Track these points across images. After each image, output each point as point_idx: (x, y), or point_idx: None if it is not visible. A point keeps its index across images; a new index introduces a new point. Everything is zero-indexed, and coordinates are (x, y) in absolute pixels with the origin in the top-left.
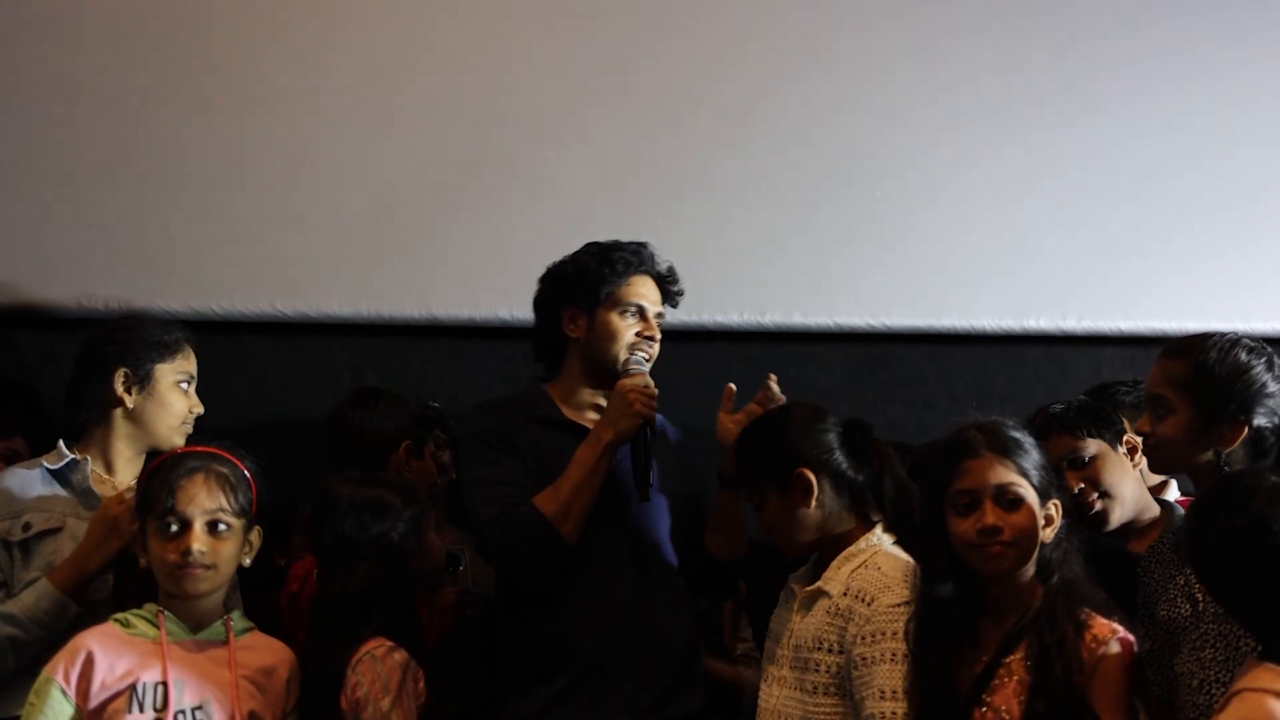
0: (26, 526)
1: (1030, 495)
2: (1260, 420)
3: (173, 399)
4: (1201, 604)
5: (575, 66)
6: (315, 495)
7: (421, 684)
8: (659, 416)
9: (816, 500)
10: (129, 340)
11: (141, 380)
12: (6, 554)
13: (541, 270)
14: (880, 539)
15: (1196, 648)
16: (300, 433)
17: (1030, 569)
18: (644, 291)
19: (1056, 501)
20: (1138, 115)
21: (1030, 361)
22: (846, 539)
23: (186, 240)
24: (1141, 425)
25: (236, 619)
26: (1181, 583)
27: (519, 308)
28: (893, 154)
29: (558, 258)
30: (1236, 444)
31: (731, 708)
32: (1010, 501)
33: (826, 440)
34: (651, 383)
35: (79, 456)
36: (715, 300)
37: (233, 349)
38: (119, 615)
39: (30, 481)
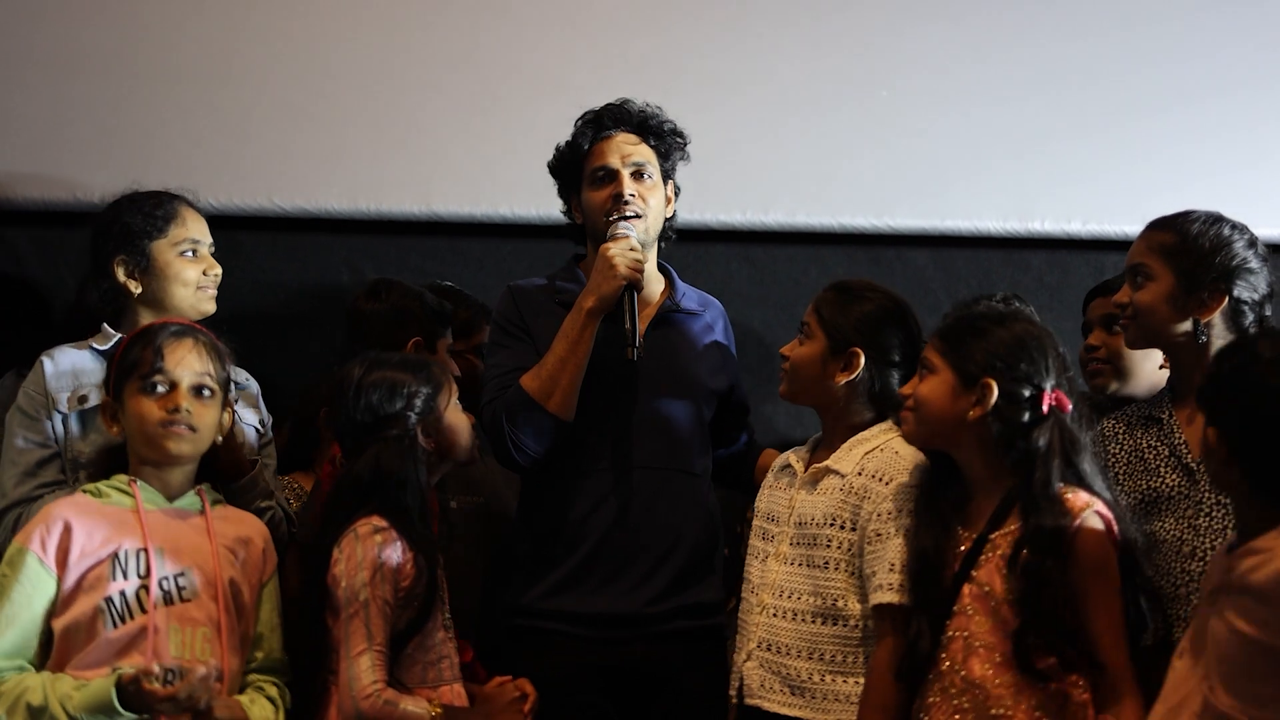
0: (83, 399)
1: (941, 370)
2: (1240, 292)
3: (179, 269)
4: (1198, 473)
5: None
6: (335, 381)
7: (409, 565)
8: (714, 303)
9: (850, 382)
10: (117, 227)
11: (141, 264)
12: (63, 426)
13: (541, 167)
14: (891, 430)
15: (1189, 516)
16: (298, 329)
17: (985, 448)
18: (607, 151)
19: (991, 383)
20: (1147, 16)
21: (1034, 265)
22: (860, 425)
23: (182, 134)
24: (1120, 296)
25: (208, 490)
26: (1166, 453)
27: (520, 204)
28: (899, 52)
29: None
30: (1215, 314)
31: None
32: (922, 374)
33: (891, 341)
34: (637, 245)
35: (126, 337)
36: (717, 199)
37: (229, 244)
38: (88, 486)
39: (81, 360)
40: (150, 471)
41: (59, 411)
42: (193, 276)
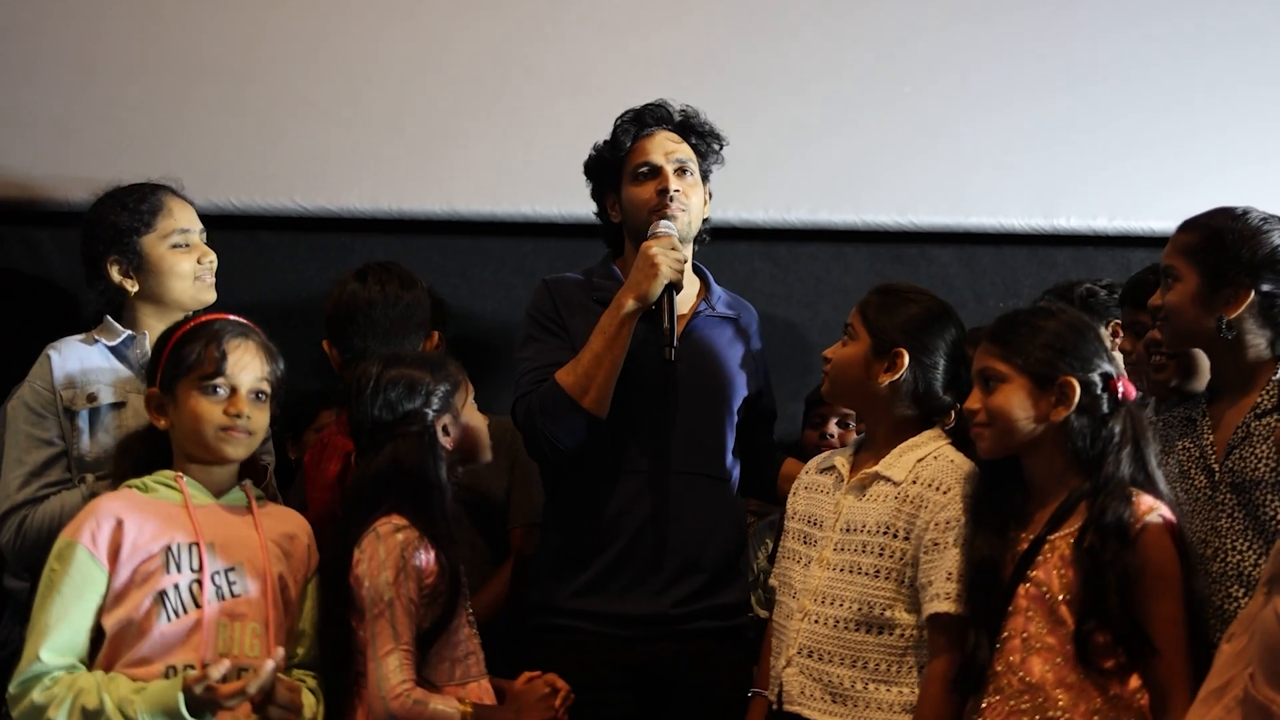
0: (92, 398)
1: (1013, 377)
2: (1268, 285)
3: (173, 262)
4: (1218, 473)
5: None
6: (351, 378)
7: (432, 563)
8: (748, 307)
9: (894, 383)
10: (104, 228)
11: (134, 261)
12: (70, 423)
13: (563, 165)
14: (941, 437)
15: (1211, 517)
16: (318, 329)
17: (1056, 449)
18: (650, 148)
19: (1072, 381)
20: (1172, 11)
21: (1059, 263)
22: (907, 431)
23: (205, 134)
24: (1154, 299)
25: (251, 486)
26: (1196, 454)
27: (542, 203)
28: (922, 49)
29: (579, 153)
30: (1241, 309)
31: None
32: (990, 385)
33: (936, 342)
34: (678, 244)
35: (135, 333)
36: (740, 197)
37: (251, 244)
38: (133, 481)
39: (90, 355)
40: (197, 468)
41: (69, 409)
42: (188, 268)
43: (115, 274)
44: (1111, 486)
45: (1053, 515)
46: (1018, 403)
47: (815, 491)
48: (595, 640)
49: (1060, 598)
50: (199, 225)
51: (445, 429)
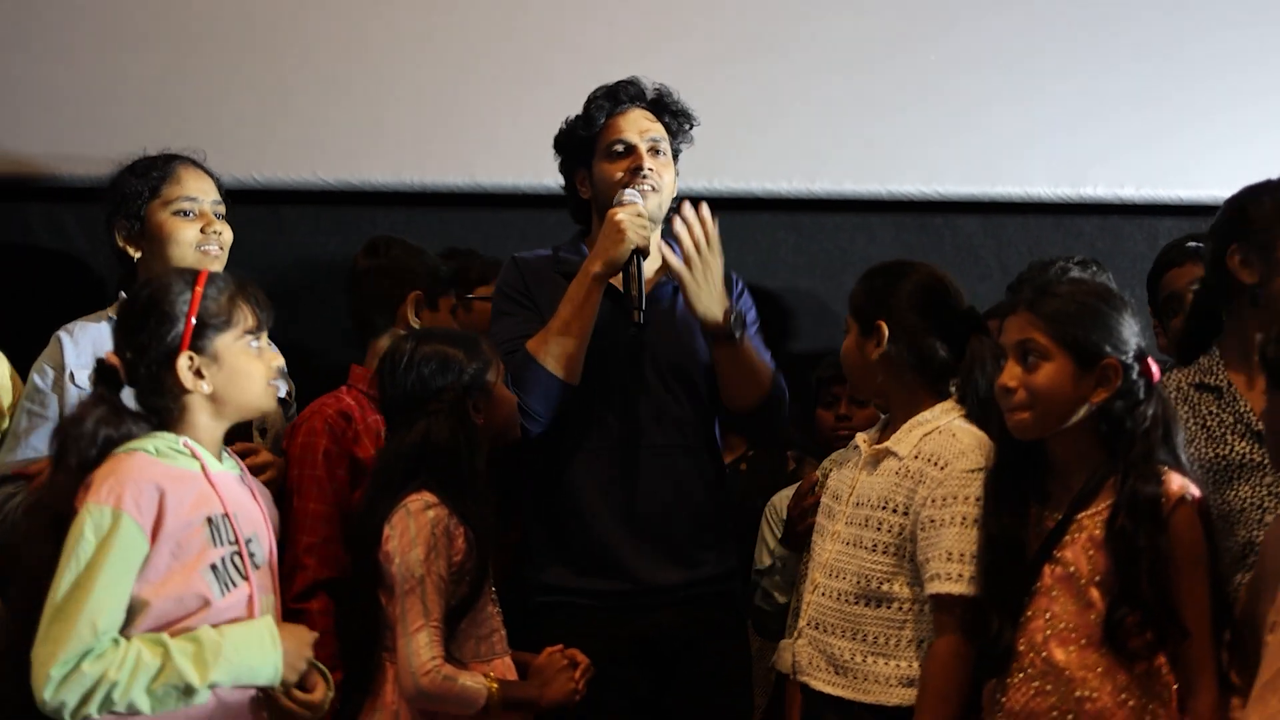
0: None
1: (1055, 354)
2: None
3: (173, 229)
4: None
5: None
6: (384, 354)
7: (461, 541)
8: (735, 279)
9: (883, 355)
10: (116, 194)
11: (135, 227)
12: (68, 397)
13: None
14: (953, 410)
15: (1266, 482)
16: (340, 303)
17: (1088, 430)
18: (623, 125)
19: (1116, 363)
20: None
21: (1085, 232)
22: (918, 405)
23: (224, 109)
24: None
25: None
26: (1232, 421)
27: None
28: (946, 16)
29: None
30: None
31: None
32: (1030, 360)
33: (919, 314)
34: (644, 211)
35: None
36: (764, 167)
37: (273, 218)
38: (143, 445)
39: (100, 334)
40: (204, 433)
41: (76, 386)
42: (189, 236)
43: (120, 240)
44: (1142, 466)
45: (1079, 494)
46: (1060, 382)
47: (842, 466)
48: (591, 615)
49: (1089, 580)
50: (214, 196)
51: (476, 406)
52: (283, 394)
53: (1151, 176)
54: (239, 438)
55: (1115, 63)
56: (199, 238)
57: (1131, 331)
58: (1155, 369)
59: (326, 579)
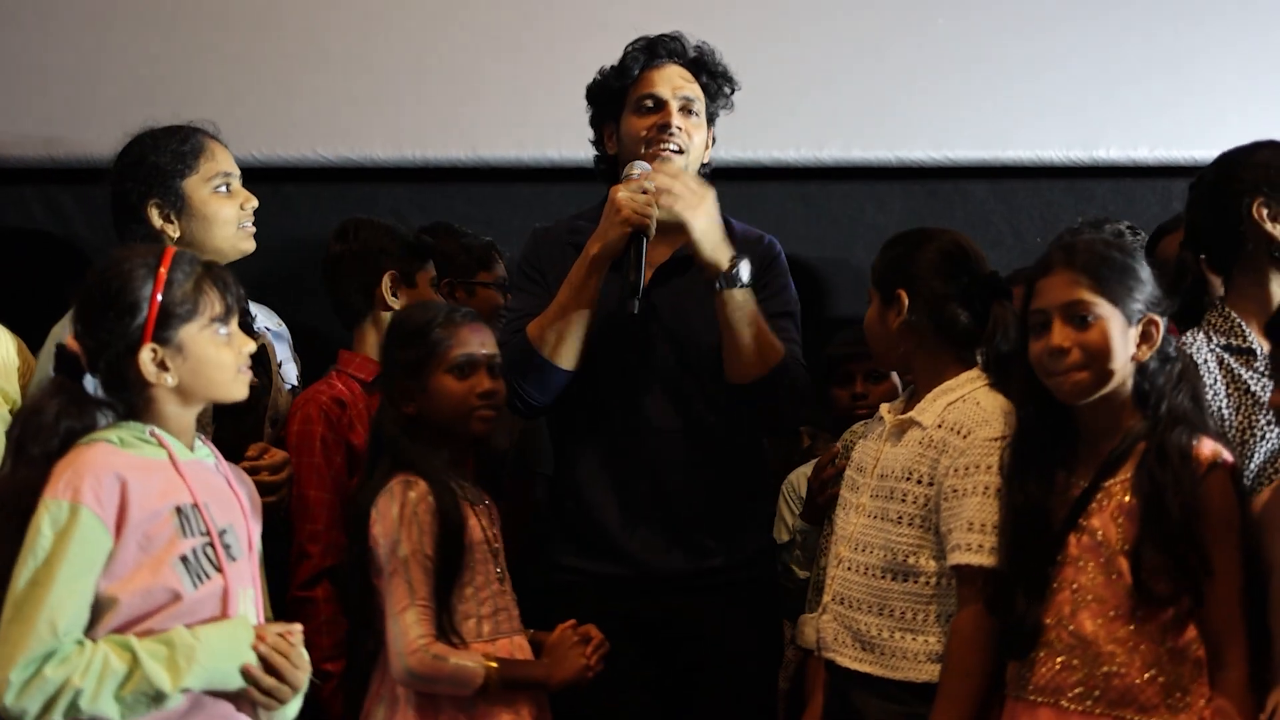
0: None
1: (1107, 311)
2: None
3: (217, 208)
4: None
5: None
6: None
7: (444, 518)
8: (764, 240)
9: (904, 324)
10: (145, 169)
11: (176, 205)
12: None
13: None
14: (979, 379)
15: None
16: None
17: (1124, 391)
18: (657, 80)
19: (1156, 319)
20: None
21: (1099, 196)
22: (942, 374)
23: (224, 86)
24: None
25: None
26: (1245, 375)
27: (567, 147)
28: None
29: None
30: None
31: None
32: (1081, 319)
33: (941, 281)
34: (649, 188)
35: None
36: (770, 136)
37: (274, 196)
38: (105, 435)
39: None
40: (172, 421)
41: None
42: (231, 214)
43: (156, 218)
44: (1171, 422)
45: (1107, 459)
46: (1113, 340)
47: (866, 440)
48: (604, 596)
49: (1118, 549)
50: (238, 170)
51: (408, 396)
52: (293, 381)
53: (1166, 138)
54: (250, 432)
55: (1128, 23)
56: (240, 214)
57: (1160, 288)
58: (1172, 326)
59: (330, 566)
